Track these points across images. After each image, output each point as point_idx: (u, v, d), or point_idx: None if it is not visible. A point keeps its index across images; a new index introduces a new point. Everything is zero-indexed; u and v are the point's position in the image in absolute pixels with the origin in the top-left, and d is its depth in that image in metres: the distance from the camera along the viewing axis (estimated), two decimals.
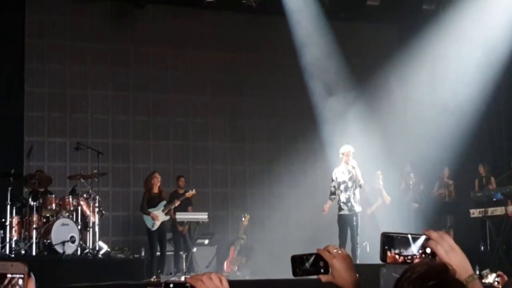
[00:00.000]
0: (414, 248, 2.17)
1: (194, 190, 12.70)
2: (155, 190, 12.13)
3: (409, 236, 2.19)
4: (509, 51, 13.40)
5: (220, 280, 2.18)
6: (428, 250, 2.14)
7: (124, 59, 14.91)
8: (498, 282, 5.69)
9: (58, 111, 14.30)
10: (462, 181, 14.07)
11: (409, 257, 2.17)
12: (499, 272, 5.80)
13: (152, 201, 12.04)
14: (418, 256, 2.16)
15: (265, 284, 10.57)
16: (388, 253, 2.19)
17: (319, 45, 14.74)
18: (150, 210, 11.93)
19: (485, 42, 13.66)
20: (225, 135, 15.46)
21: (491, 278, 5.79)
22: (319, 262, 2.44)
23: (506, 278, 5.71)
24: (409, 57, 14.83)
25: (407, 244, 2.18)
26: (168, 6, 15.10)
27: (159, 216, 11.92)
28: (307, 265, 2.45)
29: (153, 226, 11.90)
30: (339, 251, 2.47)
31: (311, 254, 2.47)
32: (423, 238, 2.16)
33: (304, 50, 14.79)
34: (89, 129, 14.38)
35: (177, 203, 12.20)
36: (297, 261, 2.46)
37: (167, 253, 12.23)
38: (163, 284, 2.21)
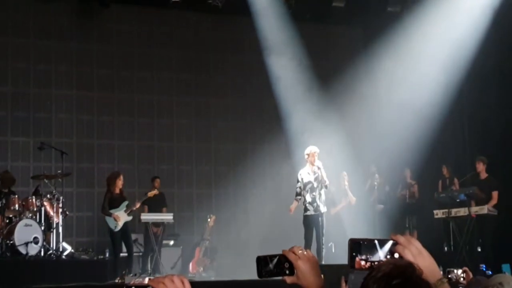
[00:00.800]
0: (381, 253, 2.16)
1: (156, 190, 12.64)
2: (117, 191, 12.05)
3: (376, 241, 2.19)
4: (473, 52, 13.55)
5: (182, 283, 2.16)
6: (396, 255, 2.13)
7: (89, 58, 14.78)
8: (464, 278, 5.75)
9: (22, 110, 14.12)
10: (426, 182, 14.20)
11: (376, 262, 2.16)
12: (465, 268, 5.85)
13: (114, 202, 11.97)
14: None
15: (230, 285, 10.54)
16: (356, 259, 2.18)
17: (285, 46, 14.78)
18: (112, 211, 11.85)
19: (449, 43, 13.81)
20: (191, 135, 15.41)
21: (457, 274, 5.84)
22: (284, 263, 2.43)
23: (471, 274, 5.78)
24: (374, 58, 14.95)
25: (374, 250, 2.17)
26: (133, 6, 14.99)
27: (121, 216, 11.84)
28: (271, 266, 2.43)
29: (115, 227, 11.82)
30: (304, 252, 2.46)
31: (275, 255, 2.45)
32: (390, 243, 2.16)
33: (270, 51, 14.83)
34: (53, 129, 14.22)
35: (138, 205, 12.15)
36: (262, 262, 2.44)
37: (123, 254, 12.15)
38: (124, 287, 2.19)
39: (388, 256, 2.15)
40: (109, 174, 12.44)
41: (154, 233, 12.61)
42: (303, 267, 2.41)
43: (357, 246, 2.20)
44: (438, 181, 13.87)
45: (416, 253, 2.10)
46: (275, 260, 2.44)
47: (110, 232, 11.91)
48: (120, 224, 11.83)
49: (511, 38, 13.18)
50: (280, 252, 2.45)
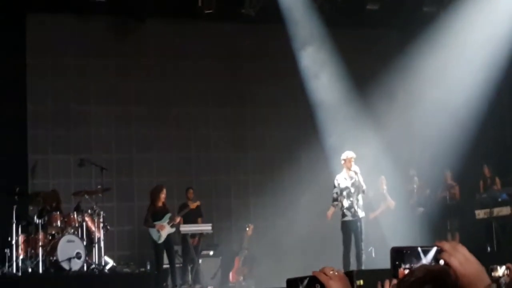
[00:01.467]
0: (425, 262, 2.11)
1: (198, 201, 12.74)
2: (160, 204, 12.18)
3: (419, 249, 2.14)
4: (511, 51, 13.39)
5: None
6: (441, 262, 2.07)
7: (126, 73, 14.97)
8: (507, 274, 5.70)
9: (61, 127, 14.36)
10: (467, 183, 14.03)
11: None
12: (508, 264, 5.80)
13: (157, 215, 12.10)
14: None
15: None
16: (399, 269, 2.14)
17: (320, 52, 14.74)
18: (155, 223, 11.97)
19: (487, 42, 13.65)
20: (228, 145, 15.47)
21: (500, 271, 5.80)
22: (314, 285, 2.39)
23: None
24: (411, 60, 14.80)
25: (417, 258, 2.12)
26: (167, 19, 15.12)
27: (165, 227, 11.96)
28: (302, 286, 2.38)
29: (159, 238, 11.93)
30: (335, 273, 2.41)
31: (306, 277, 2.40)
32: (434, 250, 2.10)
33: (305, 58, 14.81)
34: (92, 145, 14.42)
35: (178, 218, 12.24)
36: (292, 285, 2.42)
37: (165, 266, 12.23)
38: None
39: (433, 263, 2.10)
40: (153, 188, 12.57)
41: (192, 244, 12.68)
42: (335, 287, 2.41)
43: (400, 255, 2.15)
44: (479, 181, 13.70)
45: (463, 260, 2.04)
46: (306, 281, 2.40)
47: (153, 244, 12.02)
48: (164, 235, 11.94)
49: None
50: (311, 273, 2.40)
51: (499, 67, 13.56)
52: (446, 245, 2.08)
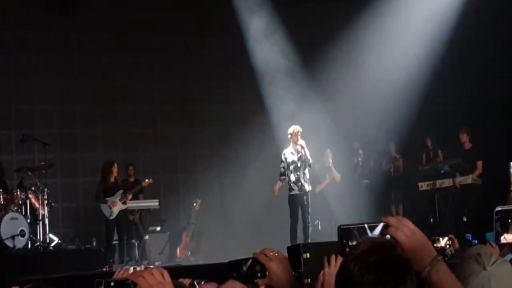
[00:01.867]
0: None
1: (150, 179, 12.58)
2: (112, 179, 12.06)
3: (366, 225, 2.15)
4: (454, 24, 13.57)
5: (162, 275, 2.15)
6: (387, 237, 2.08)
7: (68, 48, 14.63)
8: (450, 245, 5.80)
9: (2, 102, 14.01)
10: (410, 155, 14.25)
11: None
12: (450, 235, 5.90)
13: (108, 190, 11.98)
14: None
15: (218, 268, 10.55)
16: (347, 246, 2.15)
17: (265, 25, 14.71)
18: (107, 198, 11.84)
19: (431, 16, 13.81)
20: (174, 119, 15.35)
21: (442, 242, 5.89)
22: (255, 266, 2.42)
23: (456, 241, 5.83)
24: (356, 33, 14.88)
25: (364, 235, 2.14)
26: None
27: (117, 203, 11.84)
28: (245, 268, 2.42)
29: (110, 215, 11.83)
30: (275, 254, 2.44)
31: (248, 259, 2.45)
32: (381, 225, 2.11)
33: (251, 30, 14.76)
34: (34, 120, 14.12)
35: (129, 196, 12.14)
36: (234, 266, 2.44)
37: (114, 242, 12.14)
38: (103, 282, 2.18)
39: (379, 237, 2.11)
40: (104, 163, 12.42)
41: (131, 221, 12.58)
42: (275, 268, 2.41)
43: (347, 233, 2.17)
44: (422, 154, 13.93)
45: (409, 234, 2.06)
46: (248, 263, 2.43)
47: (104, 221, 11.92)
48: (115, 212, 11.84)
49: (491, 8, 13.17)
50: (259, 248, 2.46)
51: (442, 41, 13.75)
52: (391, 220, 2.09)
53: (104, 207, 11.89)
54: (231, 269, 2.44)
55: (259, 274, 2.42)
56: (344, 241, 2.17)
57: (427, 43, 13.85)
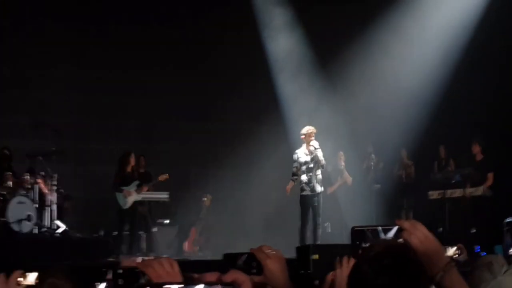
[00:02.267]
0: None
1: (166, 174, 12.48)
2: (129, 169, 12.03)
3: (380, 228, 2.13)
4: (470, 32, 13.52)
5: (171, 265, 2.12)
6: (401, 241, 2.08)
7: (84, 38, 14.65)
8: (459, 254, 5.76)
9: (17, 89, 14.04)
10: (422, 162, 14.20)
11: None
12: (459, 245, 5.85)
13: (125, 180, 11.94)
14: None
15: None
16: (360, 248, 2.13)
17: (282, 25, 14.70)
18: (122, 187, 11.82)
19: (448, 24, 13.78)
20: (188, 114, 15.34)
21: (451, 251, 5.85)
22: (251, 262, 2.38)
23: (465, 251, 5.80)
24: (373, 38, 14.85)
25: (378, 237, 2.12)
26: None
27: (132, 193, 11.82)
28: (240, 262, 2.39)
29: (125, 204, 11.81)
30: (273, 252, 2.41)
31: (245, 253, 2.41)
32: (395, 229, 2.10)
33: (267, 32, 14.76)
34: (48, 108, 14.15)
35: (145, 189, 12.10)
36: (230, 259, 2.41)
37: (125, 233, 12.12)
38: (111, 271, 2.15)
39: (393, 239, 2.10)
40: (122, 153, 12.31)
41: (140, 212, 12.56)
42: (271, 266, 2.37)
43: (360, 234, 2.14)
44: (434, 162, 13.87)
45: (423, 239, 2.06)
46: (245, 257, 2.39)
47: (118, 210, 11.91)
48: (130, 202, 11.82)
49: (507, 16, 13.11)
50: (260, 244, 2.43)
51: (457, 50, 13.72)
52: (406, 224, 2.10)
53: (119, 196, 11.86)
54: (226, 262, 2.40)
55: (254, 271, 2.37)
56: (358, 242, 2.14)
57: (444, 50, 13.83)
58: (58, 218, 11.70)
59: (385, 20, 14.67)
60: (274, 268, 2.37)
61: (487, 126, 13.62)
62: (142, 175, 12.62)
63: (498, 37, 13.30)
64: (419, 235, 2.06)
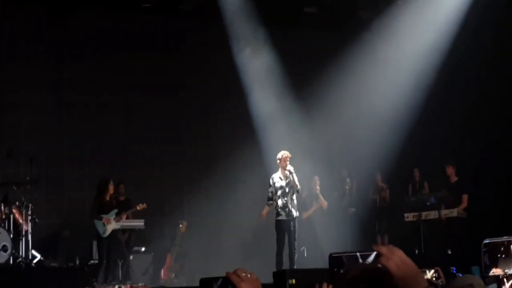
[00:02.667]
0: None
1: (145, 204, 12.42)
2: (107, 197, 11.92)
3: (358, 254, 2.16)
4: (443, 57, 13.70)
5: None
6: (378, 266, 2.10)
7: (58, 61, 14.61)
8: (436, 277, 5.83)
9: None
10: (396, 185, 14.29)
11: None
12: (436, 268, 5.93)
13: (103, 208, 11.83)
14: None
15: None
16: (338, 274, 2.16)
17: (257, 49, 14.78)
18: (101, 215, 11.73)
19: (419, 48, 13.93)
20: (162, 138, 15.30)
21: (429, 274, 5.92)
22: (227, 286, 2.40)
23: (442, 274, 5.86)
24: (346, 63, 14.99)
25: (356, 263, 2.15)
26: (105, 10, 14.82)
27: (111, 221, 11.73)
28: (215, 287, 2.41)
29: (104, 232, 11.69)
30: (248, 275, 2.41)
31: (219, 277, 2.44)
32: (373, 255, 2.13)
33: (242, 55, 14.83)
34: (20, 134, 14.01)
35: (124, 217, 12.03)
36: (205, 284, 2.44)
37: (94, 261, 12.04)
38: None
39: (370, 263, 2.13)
40: (101, 180, 12.19)
41: (122, 241, 12.48)
42: None
43: (338, 261, 2.17)
44: (408, 185, 13.97)
45: (400, 263, 2.07)
46: (219, 282, 2.41)
47: (97, 237, 11.77)
48: (109, 230, 11.71)
49: (478, 42, 13.33)
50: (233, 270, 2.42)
51: (429, 74, 13.87)
52: (383, 249, 2.11)
53: (98, 224, 11.73)
54: (202, 287, 2.42)
55: None
56: (335, 269, 2.16)
57: (415, 75, 13.97)
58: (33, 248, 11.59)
59: (357, 45, 14.84)
60: None
61: (460, 148, 13.78)
62: (121, 203, 12.53)
63: (472, 59, 13.49)
64: (396, 259, 2.07)
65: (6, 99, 14.13)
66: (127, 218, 12.61)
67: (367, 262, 2.16)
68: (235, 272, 2.40)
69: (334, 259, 1.92)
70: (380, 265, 2.08)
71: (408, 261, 2.09)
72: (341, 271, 2.07)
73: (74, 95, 14.64)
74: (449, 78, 13.74)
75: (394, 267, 2.06)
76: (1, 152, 13.19)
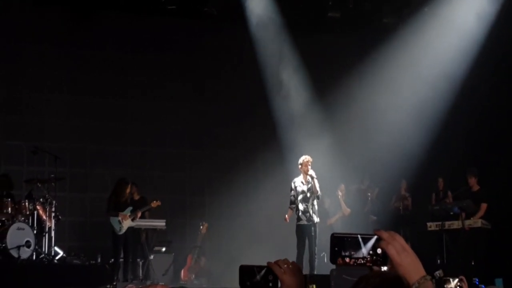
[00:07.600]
0: (365, 250, 2.13)
1: (158, 200, 12.49)
2: (123, 195, 11.96)
3: (359, 236, 2.16)
4: (468, 63, 13.61)
5: None
6: (379, 251, 2.10)
7: (82, 63, 14.73)
8: (460, 287, 5.73)
9: (15, 114, 14.09)
10: (419, 194, 14.20)
11: (360, 259, 2.13)
12: (461, 277, 5.83)
13: (119, 206, 11.88)
14: (368, 259, 2.12)
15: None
16: (339, 255, 2.15)
17: (280, 54, 14.79)
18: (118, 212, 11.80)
19: (443, 56, 13.86)
20: (184, 141, 15.37)
21: (453, 283, 5.84)
22: (268, 276, 2.36)
23: (466, 283, 5.76)
24: (370, 68, 14.96)
25: (357, 246, 2.13)
26: (129, 13, 14.91)
27: (127, 218, 11.78)
28: (258, 277, 2.36)
29: (120, 229, 11.74)
30: (290, 266, 2.39)
31: (262, 267, 2.39)
32: (373, 239, 2.12)
33: (265, 59, 14.84)
34: (45, 133, 14.17)
35: (139, 214, 12.08)
36: (247, 273, 2.38)
37: (121, 259, 12.07)
38: None
39: (371, 252, 2.11)
40: (119, 179, 12.20)
41: (138, 240, 12.52)
42: (288, 281, 2.36)
43: (340, 242, 2.16)
44: (432, 193, 13.88)
45: (400, 249, 2.07)
46: (262, 272, 2.37)
47: (112, 235, 11.82)
48: (125, 227, 11.76)
49: (505, 49, 13.22)
50: (264, 264, 2.38)
51: (455, 81, 13.77)
52: (384, 234, 2.11)
53: (114, 221, 11.77)
54: (243, 275, 2.38)
55: (270, 284, 2.36)
56: (336, 249, 2.17)
57: (439, 83, 13.88)
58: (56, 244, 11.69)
59: (381, 51, 14.78)
60: (291, 282, 2.36)
61: (485, 157, 13.66)
62: (136, 202, 12.58)
63: (492, 69, 13.39)
64: (397, 246, 2.07)
65: (32, 99, 14.28)
66: (144, 217, 12.65)
67: (367, 247, 2.16)
68: (277, 263, 2.37)
69: (336, 239, 1.94)
70: (380, 251, 2.10)
71: (408, 248, 2.09)
72: (342, 252, 2.06)
73: (98, 97, 14.76)
74: (473, 86, 13.63)
75: (393, 253, 2.06)
76: (27, 150, 13.35)
